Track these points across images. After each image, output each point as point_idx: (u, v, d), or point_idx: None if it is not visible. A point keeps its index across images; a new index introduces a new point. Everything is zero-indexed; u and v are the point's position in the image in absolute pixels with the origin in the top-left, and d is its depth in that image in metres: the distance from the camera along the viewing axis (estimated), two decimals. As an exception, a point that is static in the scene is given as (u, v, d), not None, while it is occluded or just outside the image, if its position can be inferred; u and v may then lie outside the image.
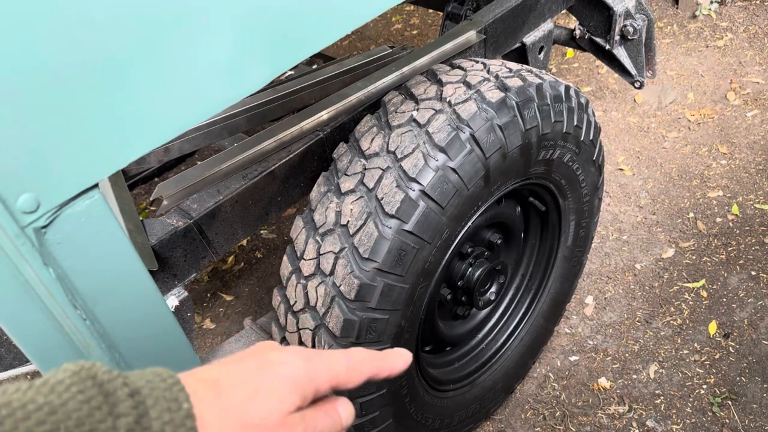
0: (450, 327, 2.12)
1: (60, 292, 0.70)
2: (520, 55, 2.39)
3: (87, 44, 0.64)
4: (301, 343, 1.68)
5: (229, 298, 3.05)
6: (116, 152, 0.69)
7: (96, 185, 0.69)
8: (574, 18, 2.61)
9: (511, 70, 1.75)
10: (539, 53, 2.42)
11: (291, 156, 1.77)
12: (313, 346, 1.64)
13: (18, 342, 0.73)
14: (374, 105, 1.85)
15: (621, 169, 3.43)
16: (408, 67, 1.92)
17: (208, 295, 3.09)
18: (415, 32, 4.81)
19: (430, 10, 4.97)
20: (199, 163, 1.76)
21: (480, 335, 2.24)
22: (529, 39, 2.36)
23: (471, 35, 2.08)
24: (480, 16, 2.16)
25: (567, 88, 1.82)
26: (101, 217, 0.70)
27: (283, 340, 1.73)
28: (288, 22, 0.80)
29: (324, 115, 1.85)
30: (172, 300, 1.67)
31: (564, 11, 2.57)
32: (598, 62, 4.16)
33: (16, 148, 0.62)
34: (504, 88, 1.66)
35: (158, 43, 0.70)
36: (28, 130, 0.62)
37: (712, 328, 2.65)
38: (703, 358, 2.55)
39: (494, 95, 1.62)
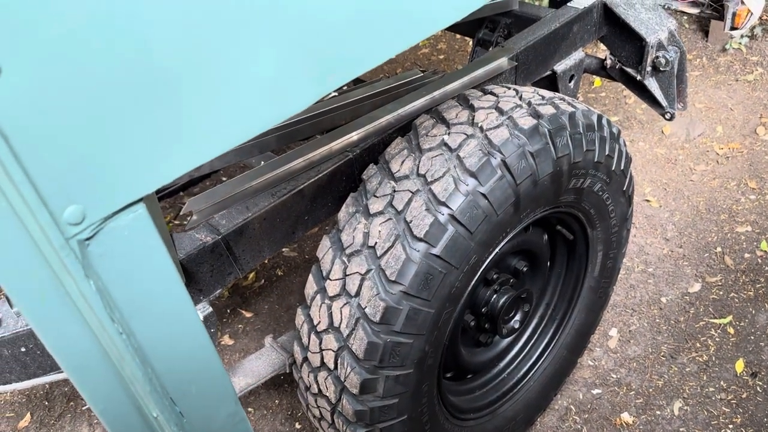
0: (472, 354, 2.09)
1: (99, 305, 0.70)
2: (551, 83, 2.39)
3: (142, 61, 0.64)
4: (323, 363, 1.66)
5: (248, 315, 3.05)
6: (163, 167, 0.70)
7: (141, 199, 0.70)
8: (603, 47, 2.61)
9: (543, 98, 1.75)
10: (569, 81, 2.42)
11: (320, 176, 1.77)
12: (335, 368, 1.63)
13: (53, 353, 0.73)
14: (404, 128, 1.85)
15: (648, 201, 3.39)
16: (439, 92, 1.92)
17: (228, 310, 3.09)
18: (442, 57, 4.83)
19: (458, 36, 5.00)
20: (224, 179, 1.77)
21: (502, 364, 2.20)
22: (560, 67, 2.35)
23: (503, 62, 2.09)
24: (512, 44, 2.17)
25: (599, 117, 1.81)
26: (144, 231, 0.70)
27: (305, 360, 1.72)
28: (334, 45, 0.81)
29: (354, 136, 1.85)
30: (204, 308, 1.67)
31: (595, 40, 2.56)
32: (626, 92, 4.15)
33: (67, 161, 0.62)
34: (536, 115, 1.65)
35: (210, 61, 0.71)
36: (79, 143, 0.63)
37: (739, 366, 2.58)
38: (729, 397, 2.48)
39: (526, 122, 1.62)
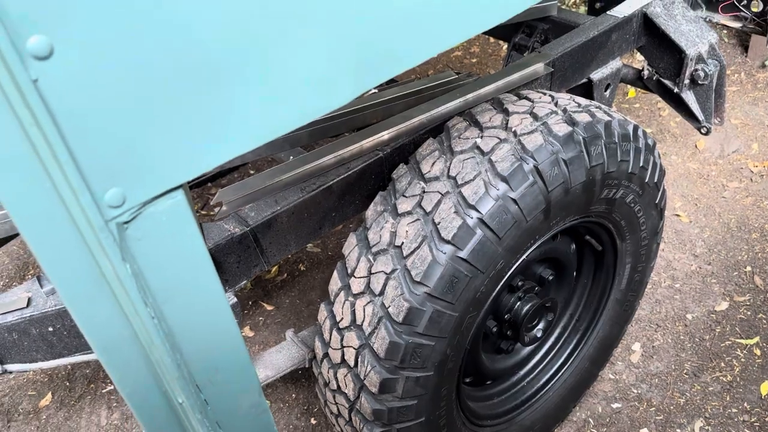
0: (492, 360, 2.08)
1: (134, 289, 0.70)
2: (586, 91, 2.36)
3: (193, 48, 0.65)
4: (343, 360, 1.66)
5: (269, 308, 3.06)
6: (205, 155, 0.70)
7: (180, 186, 0.70)
8: (639, 57, 2.57)
9: (579, 105, 1.73)
10: (605, 90, 2.39)
11: (349, 173, 1.78)
12: (356, 366, 1.62)
13: (85, 333, 0.73)
14: (436, 129, 1.85)
15: (678, 215, 3.33)
16: (473, 94, 1.91)
17: (250, 302, 3.11)
18: (474, 60, 4.81)
19: (491, 39, 4.97)
20: (252, 172, 1.78)
21: (522, 372, 2.18)
22: (597, 75, 2.33)
23: (539, 67, 2.07)
24: (549, 49, 2.15)
25: (635, 127, 1.78)
26: (182, 217, 0.71)
27: (326, 356, 1.72)
28: (381, 40, 0.80)
29: (385, 135, 1.85)
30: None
31: (633, 50, 2.53)
32: (660, 104, 4.09)
33: (112, 144, 0.63)
34: (572, 122, 1.63)
35: (259, 52, 0.71)
36: (126, 127, 0.63)
37: (765, 388, 2.52)
38: (752, 419, 2.43)
39: (561, 129, 1.60)
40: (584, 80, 2.32)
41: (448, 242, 1.49)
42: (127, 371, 0.79)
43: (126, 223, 0.68)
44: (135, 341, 0.76)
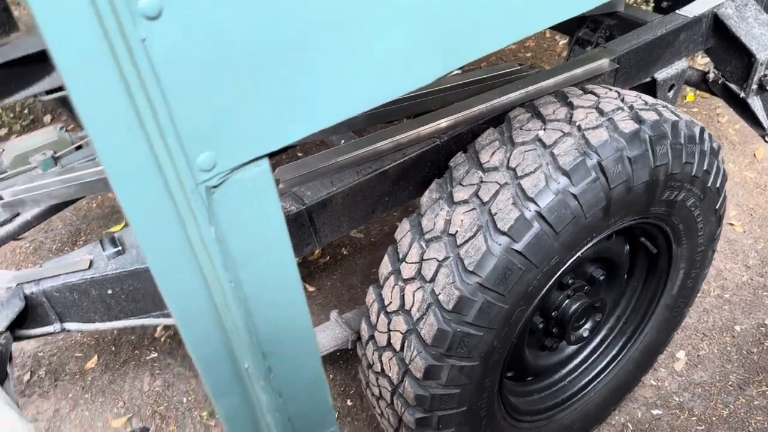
0: (535, 357, 2.06)
1: (217, 253, 0.72)
2: (648, 90, 2.30)
3: (291, 17, 0.65)
4: (389, 344, 1.67)
5: (311, 289, 3.09)
6: (293, 126, 0.71)
7: (267, 155, 0.71)
8: (700, 61, 2.50)
9: (646, 103, 1.69)
10: (669, 91, 2.33)
11: (405, 158, 1.78)
12: (402, 350, 1.63)
13: (164, 293, 0.75)
14: (496, 119, 1.83)
15: (732, 225, 3.24)
16: (535, 86, 1.88)
17: (291, 283, 3.15)
18: (529, 54, 4.74)
19: (547, 34, 4.89)
20: (300, 155, 1.80)
21: (564, 371, 2.16)
22: (661, 75, 2.27)
23: (604, 63, 2.03)
24: (615, 45, 2.10)
25: (702, 130, 1.74)
26: (266, 185, 0.72)
27: (371, 339, 1.73)
28: (468, 22, 0.80)
29: (443, 122, 1.84)
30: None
31: (700, 52, 2.46)
32: (719, 110, 3.97)
33: (210, 108, 0.64)
34: (638, 120, 1.60)
35: (353, 23, 0.71)
36: (224, 92, 0.65)
37: (814, 408, 2.45)
38: (799, 439, 2.36)
39: (628, 125, 1.57)
40: (648, 79, 2.27)
41: (503, 233, 1.48)
42: (201, 334, 0.81)
43: (214, 187, 0.70)
44: (211, 304, 0.78)
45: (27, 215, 1.97)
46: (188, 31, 0.60)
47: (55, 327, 1.57)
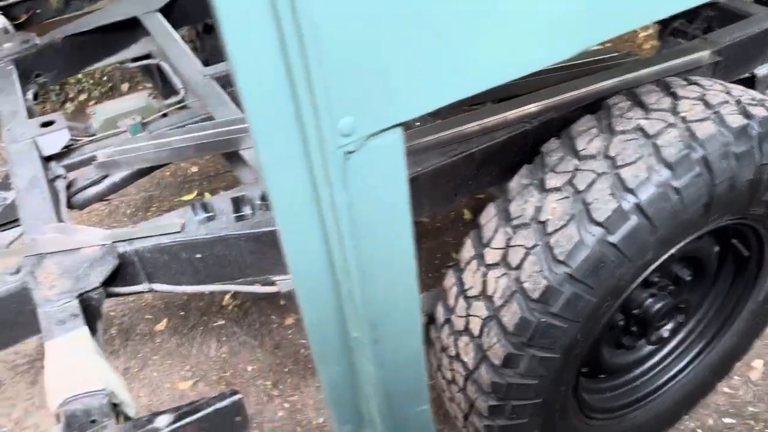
0: (611, 354, 2.00)
1: (345, 218, 0.71)
2: (746, 87, 2.19)
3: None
4: (466, 329, 1.65)
5: (375, 270, 3.10)
6: (433, 94, 0.69)
7: (403, 123, 0.70)
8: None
9: (754, 99, 1.61)
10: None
11: (493, 142, 1.74)
12: (479, 336, 1.61)
13: (288, 253, 0.75)
14: (589, 106, 1.77)
15: (819, 233, 3.07)
16: (632, 75, 1.81)
17: (355, 262, 3.16)
18: (608, 44, 4.60)
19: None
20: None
21: (639, 370, 2.10)
22: (762, 71, 2.15)
23: (704, 55, 1.94)
24: (716, 37, 2.01)
25: (813, 129, 1.64)
26: (397, 154, 0.71)
27: (447, 322, 1.72)
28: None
29: (532, 107, 1.79)
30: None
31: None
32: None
33: (359, 71, 0.63)
34: (746, 114, 1.52)
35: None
36: (374, 55, 0.63)
37: None
38: None
39: (735, 120, 1.49)
40: (747, 75, 2.16)
41: (598, 224, 1.44)
42: (316, 299, 0.81)
43: (350, 152, 0.69)
44: (331, 271, 0.78)
45: (115, 177, 2.03)
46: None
47: (144, 287, 1.61)
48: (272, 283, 1.67)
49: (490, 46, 0.71)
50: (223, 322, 2.84)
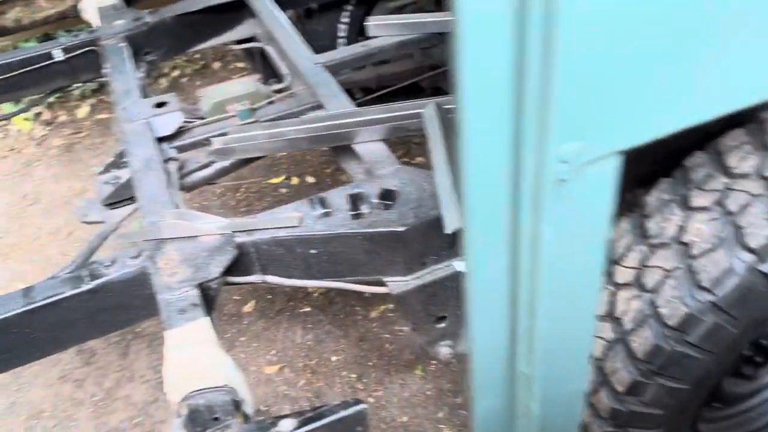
0: (731, 384, 1.87)
1: (545, 251, 0.64)
2: None
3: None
4: (586, 349, 1.56)
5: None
6: (660, 121, 0.61)
7: (626, 150, 0.62)
8: None
9: None
10: None
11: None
12: (602, 359, 1.51)
13: (470, 283, 0.69)
14: (733, 120, 1.63)
15: None
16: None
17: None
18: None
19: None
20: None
21: (755, 401, 1.95)
22: None
23: None
24: None
25: None
26: (611, 183, 0.63)
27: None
28: None
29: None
30: (460, 264, 1.63)
31: None
32: None
33: (597, 90, 0.55)
34: None
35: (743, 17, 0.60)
36: (615, 74, 0.55)
37: None
38: None
39: None
40: None
41: (752, 251, 1.31)
42: (490, 329, 0.74)
43: (562, 180, 0.61)
44: (512, 302, 0.71)
45: (225, 162, 2.02)
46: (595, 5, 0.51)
47: (257, 278, 1.59)
48: (383, 284, 1.62)
49: (732, 71, 0.62)
50: (309, 309, 2.84)
